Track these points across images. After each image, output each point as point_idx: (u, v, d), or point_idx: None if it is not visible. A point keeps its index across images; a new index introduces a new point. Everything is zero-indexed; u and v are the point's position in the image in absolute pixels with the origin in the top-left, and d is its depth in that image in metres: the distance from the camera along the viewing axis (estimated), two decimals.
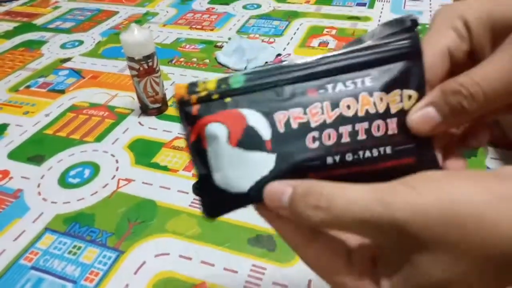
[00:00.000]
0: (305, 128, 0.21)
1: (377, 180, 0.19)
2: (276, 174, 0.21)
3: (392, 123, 0.21)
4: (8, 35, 1.23)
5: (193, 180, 0.33)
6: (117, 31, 1.20)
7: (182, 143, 0.78)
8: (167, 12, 1.31)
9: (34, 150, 0.77)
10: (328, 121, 0.21)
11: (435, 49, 0.22)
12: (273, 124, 0.21)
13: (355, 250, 0.21)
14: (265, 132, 0.21)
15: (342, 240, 0.22)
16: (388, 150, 0.21)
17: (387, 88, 0.21)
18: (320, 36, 1.11)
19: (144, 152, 0.76)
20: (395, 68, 0.21)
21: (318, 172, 0.21)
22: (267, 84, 0.22)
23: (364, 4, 1.28)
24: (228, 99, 0.22)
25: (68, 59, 1.08)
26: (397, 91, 0.21)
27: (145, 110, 0.85)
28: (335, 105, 0.21)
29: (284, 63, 0.22)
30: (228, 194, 0.22)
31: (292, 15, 1.24)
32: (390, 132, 0.21)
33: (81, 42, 1.16)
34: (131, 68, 0.78)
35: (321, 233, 0.21)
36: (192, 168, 0.71)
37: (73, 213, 0.64)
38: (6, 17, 1.35)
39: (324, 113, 0.21)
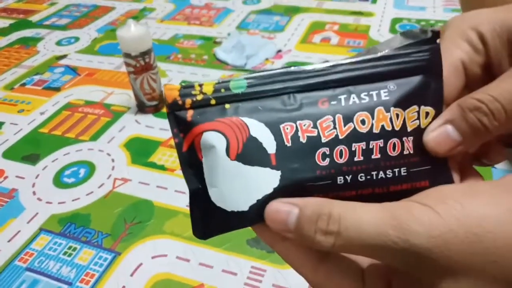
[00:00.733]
0: (314, 143, 0.19)
1: (387, 201, 0.17)
2: (282, 193, 0.19)
3: (408, 142, 0.19)
4: (4, 32, 1.21)
5: None
6: (114, 27, 1.19)
7: None
8: (165, 7, 1.30)
9: (29, 149, 0.76)
10: (340, 136, 0.19)
11: (448, 63, 0.20)
12: (278, 137, 0.19)
13: (367, 269, 0.20)
14: (269, 145, 0.19)
15: (353, 259, 0.20)
16: (403, 171, 0.19)
17: (405, 103, 0.19)
18: (322, 32, 1.09)
19: (141, 151, 0.74)
20: (413, 81, 0.20)
21: (327, 193, 0.19)
22: (273, 91, 0.19)
23: None
24: (227, 106, 0.19)
25: (64, 56, 1.06)
26: (414, 107, 0.19)
27: (141, 108, 0.83)
28: (348, 119, 0.19)
29: (291, 68, 0.20)
30: (224, 212, 0.19)
31: (293, 10, 1.22)
32: (405, 152, 0.19)
33: (77, 39, 1.14)
34: (127, 64, 0.77)
35: (330, 253, 0.20)
36: None
37: (69, 213, 0.63)
38: (2, 14, 1.33)
39: (336, 127, 0.19)
